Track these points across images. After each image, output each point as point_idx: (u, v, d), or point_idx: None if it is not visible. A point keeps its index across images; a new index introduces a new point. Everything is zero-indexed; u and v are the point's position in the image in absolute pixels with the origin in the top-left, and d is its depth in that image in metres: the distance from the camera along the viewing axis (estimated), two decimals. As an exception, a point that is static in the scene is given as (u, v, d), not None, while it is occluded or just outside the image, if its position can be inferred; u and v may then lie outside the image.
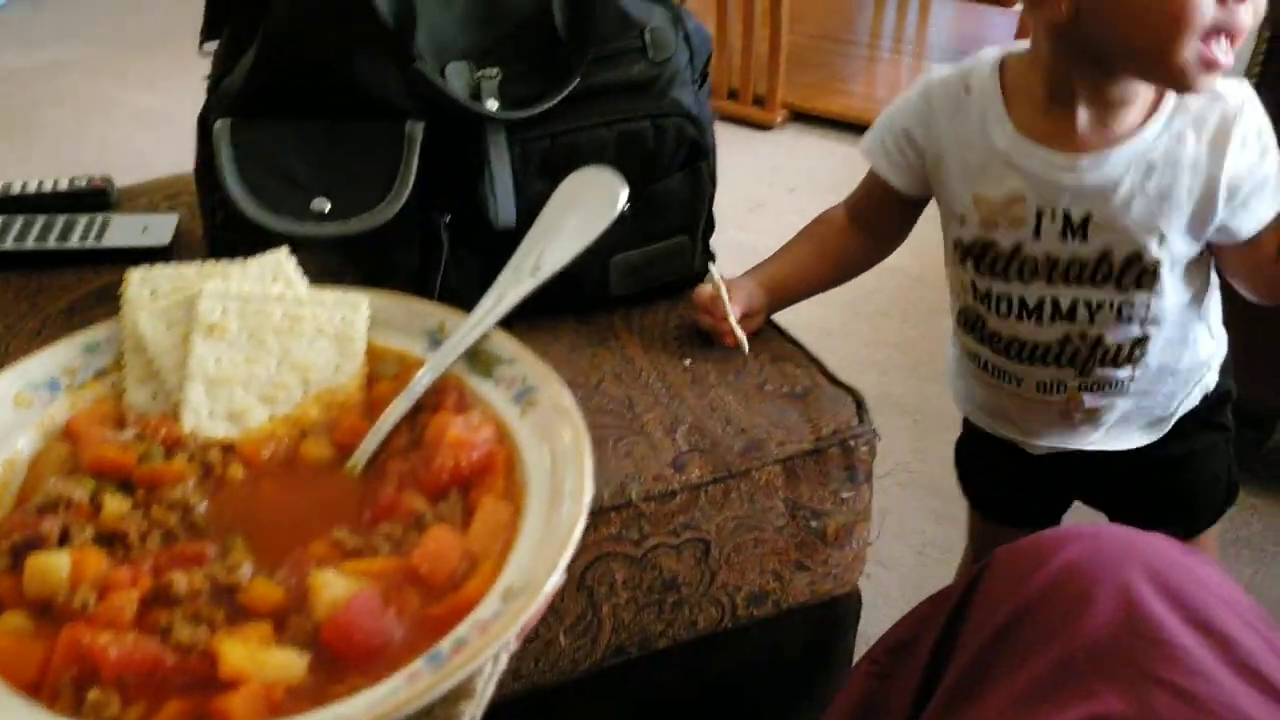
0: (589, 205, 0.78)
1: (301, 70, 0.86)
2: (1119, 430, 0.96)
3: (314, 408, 0.67)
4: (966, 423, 1.07)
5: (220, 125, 0.86)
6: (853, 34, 2.90)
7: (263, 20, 0.87)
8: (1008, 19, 2.53)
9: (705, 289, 0.94)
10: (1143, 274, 0.86)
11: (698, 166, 0.96)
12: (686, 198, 0.97)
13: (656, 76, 0.93)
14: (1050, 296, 0.88)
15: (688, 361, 0.94)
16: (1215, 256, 0.89)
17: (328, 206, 0.85)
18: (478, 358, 0.70)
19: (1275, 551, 1.48)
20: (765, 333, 0.99)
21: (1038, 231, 0.86)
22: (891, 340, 1.91)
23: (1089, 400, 0.92)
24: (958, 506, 1.56)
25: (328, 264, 0.88)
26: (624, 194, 0.79)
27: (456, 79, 0.88)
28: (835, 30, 2.90)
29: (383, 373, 0.71)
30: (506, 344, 0.70)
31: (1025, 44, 0.87)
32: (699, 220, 0.99)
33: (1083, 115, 0.83)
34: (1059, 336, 0.89)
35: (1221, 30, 0.76)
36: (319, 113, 0.87)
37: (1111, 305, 0.87)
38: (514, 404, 0.66)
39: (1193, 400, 0.96)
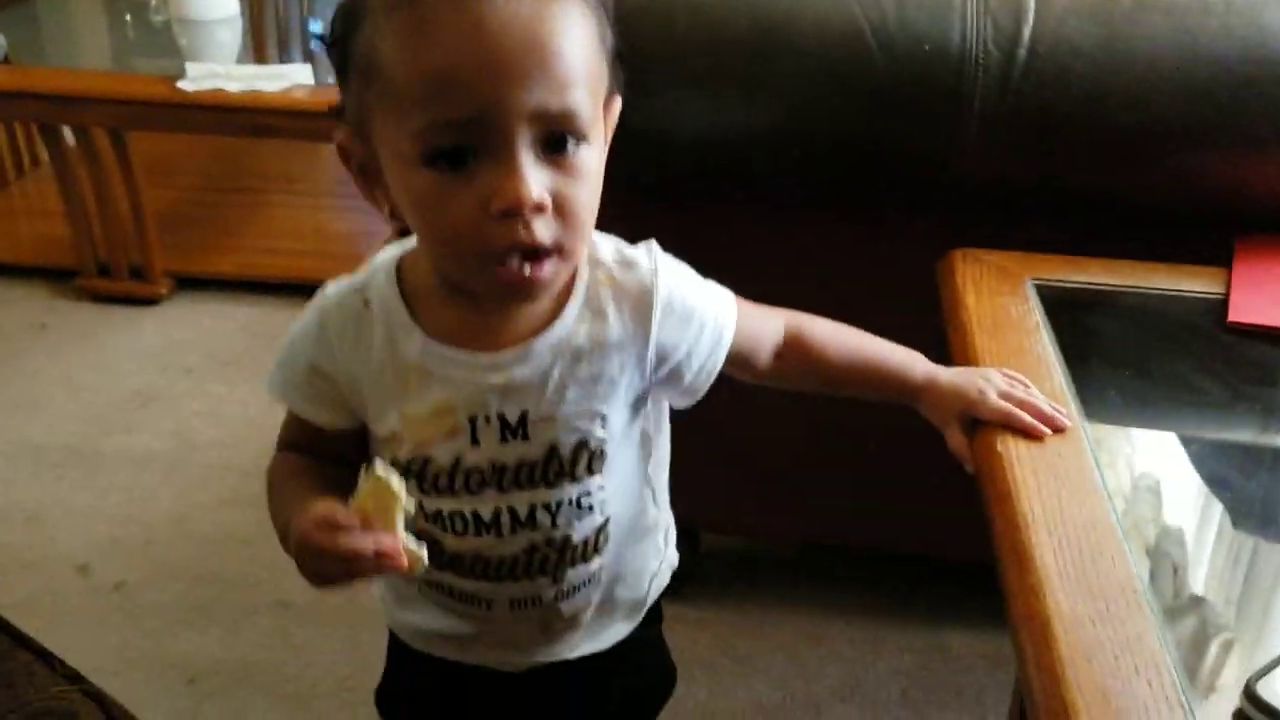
0: None
1: None
2: (600, 625, 0.87)
3: None
4: (410, 658, 0.90)
5: None
6: (239, 181, 2.69)
7: None
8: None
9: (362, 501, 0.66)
10: (592, 459, 0.77)
11: None
12: None
13: None
14: (506, 505, 0.77)
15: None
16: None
17: None
18: None
19: (726, 664, 1.47)
20: (36, 675, 0.75)
21: (474, 439, 0.75)
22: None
23: (566, 608, 0.83)
24: None
25: None
26: None
27: None
28: (218, 179, 2.68)
29: None
30: None
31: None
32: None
33: (490, 308, 0.73)
34: (524, 546, 0.78)
35: (515, 249, 0.65)
36: None
37: (571, 501, 0.78)
38: None
39: (663, 579, 0.91)
